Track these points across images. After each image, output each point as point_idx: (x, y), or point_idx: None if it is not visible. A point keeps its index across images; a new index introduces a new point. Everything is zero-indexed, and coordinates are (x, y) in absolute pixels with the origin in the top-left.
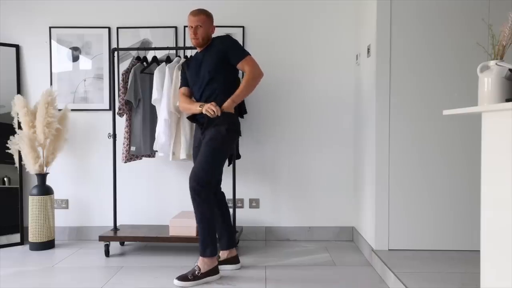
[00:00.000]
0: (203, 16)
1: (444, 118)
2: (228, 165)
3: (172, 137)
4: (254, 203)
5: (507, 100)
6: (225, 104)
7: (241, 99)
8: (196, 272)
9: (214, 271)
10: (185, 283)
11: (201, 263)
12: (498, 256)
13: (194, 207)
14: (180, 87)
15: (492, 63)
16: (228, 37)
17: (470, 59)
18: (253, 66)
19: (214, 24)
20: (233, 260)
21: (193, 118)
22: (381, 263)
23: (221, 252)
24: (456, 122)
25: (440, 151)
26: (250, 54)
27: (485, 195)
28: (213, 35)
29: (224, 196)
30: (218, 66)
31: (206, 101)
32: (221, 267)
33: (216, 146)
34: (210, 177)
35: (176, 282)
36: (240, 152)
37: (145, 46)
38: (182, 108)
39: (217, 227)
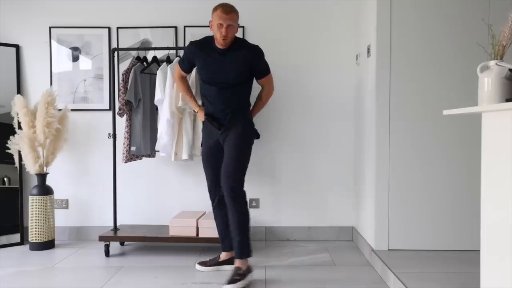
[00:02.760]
0: (235, 14)
1: (444, 118)
2: None
3: (175, 138)
4: (254, 203)
5: (507, 100)
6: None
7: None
8: (240, 272)
9: (249, 269)
10: (237, 284)
11: (241, 263)
12: (498, 256)
13: (234, 208)
14: (182, 69)
15: (492, 63)
16: (258, 51)
17: (470, 59)
18: (272, 84)
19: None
20: (233, 261)
21: (212, 118)
22: (381, 263)
23: (223, 253)
24: (456, 122)
25: (440, 151)
26: (270, 72)
27: (485, 195)
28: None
29: None
30: (244, 74)
31: (227, 101)
32: (222, 267)
33: (246, 144)
34: (244, 175)
35: (228, 286)
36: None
37: (145, 46)
38: (182, 90)
39: (223, 228)
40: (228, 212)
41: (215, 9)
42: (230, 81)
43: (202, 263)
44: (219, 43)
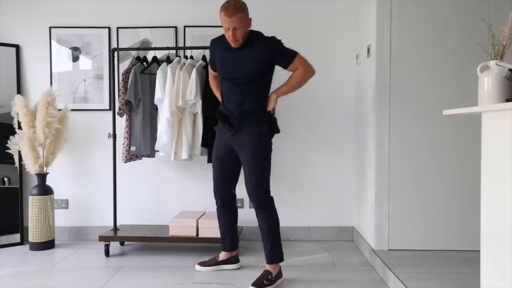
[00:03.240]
0: (240, 15)
1: (444, 118)
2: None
3: (174, 137)
4: None
5: (507, 100)
6: (269, 100)
7: (284, 95)
8: (269, 277)
9: (280, 274)
10: None
11: (273, 268)
12: (498, 256)
13: (262, 215)
14: (211, 67)
15: (492, 63)
16: (274, 42)
17: (470, 59)
18: (305, 64)
19: (213, 24)
20: (233, 260)
21: (223, 117)
22: (381, 263)
23: (222, 253)
24: (456, 122)
25: (440, 151)
26: (298, 53)
27: (485, 195)
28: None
29: (235, 198)
30: (261, 70)
31: (240, 99)
32: (221, 267)
33: (261, 150)
34: (268, 180)
35: None
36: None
37: (145, 46)
38: (212, 86)
39: (225, 228)
40: (257, 216)
41: (220, 10)
42: (244, 77)
43: (202, 263)
44: (231, 45)
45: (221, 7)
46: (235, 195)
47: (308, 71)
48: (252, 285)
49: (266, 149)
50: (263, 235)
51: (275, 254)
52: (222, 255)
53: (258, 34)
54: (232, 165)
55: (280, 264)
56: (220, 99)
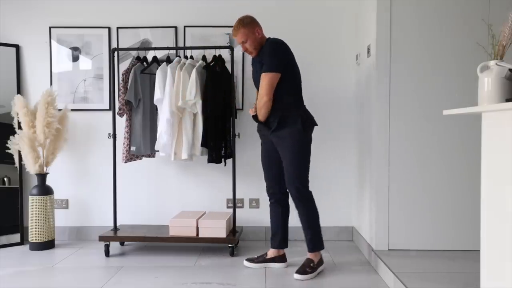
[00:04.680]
0: (242, 30)
1: (444, 118)
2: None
3: (174, 137)
4: (254, 203)
5: (507, 100)
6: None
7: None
8: (312, 264)
9: (321, 261)
10: (307, 276)
11: (314, 255)
12: (498, 256)
13: (302, 208)
14: None
15: (492, 63)
16: (268, 46)
17: (470, 59)
18: (265, 85)
19: (213, 24)
20: (281, 259)
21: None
22: (381, 263)
23: (270, 250)
24: (456, 122)
25: (440, 151)
26: (272, 72)
27: (485, 195)
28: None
29: (288, 196)
30: None
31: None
32: (269, 265)
33: (302, 146)
34: (307, 174)
35: (298, 276)
36: (240, 152)
37: (145, 46)
38: None
39: (275, 225)
40: (297, 210)
41: None
42: (258, 83)
43: (250, 260)
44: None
45: None
46: (287, 193)
47: (263, 95)
48: (296, 272)
49: (302, 145)
50: (304, 226)
51: (315, 242)
52: (271, 253)
53: (268, 40)
54: (279, 161)
55: (280, 264)
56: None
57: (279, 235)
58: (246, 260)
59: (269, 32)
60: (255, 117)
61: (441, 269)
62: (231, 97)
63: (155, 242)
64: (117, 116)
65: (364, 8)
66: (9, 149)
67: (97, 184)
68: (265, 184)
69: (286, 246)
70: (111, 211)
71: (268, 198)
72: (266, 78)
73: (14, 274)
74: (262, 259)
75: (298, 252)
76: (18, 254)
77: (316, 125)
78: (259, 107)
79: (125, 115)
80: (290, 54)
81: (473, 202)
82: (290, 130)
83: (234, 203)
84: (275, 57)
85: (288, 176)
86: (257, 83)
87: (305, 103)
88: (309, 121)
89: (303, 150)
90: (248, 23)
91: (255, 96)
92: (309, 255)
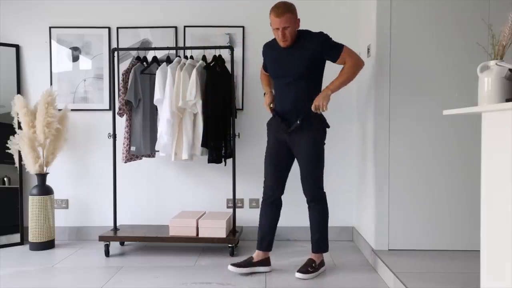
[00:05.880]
0: (289, 14)
1: (444, 118)
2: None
3: (175, 138)
4: (254, 203)
5: (507, 100)
6: (321, 95)
7: (338, 89)
8: (313, 265)
9: (323, 262)
10: (309, 275)
11: (317, 257)
12: (498, 256)
13: (315, 209)
14: (263, 68)
15: (492, 63)
16: (322, 36)
17: (470, 59)
18: (353, 55)
19: (213, 24)
20: (267, 262)
21: (281, 117)
22: (381, 263)
23: (257, 253)
24: (456, 122)
25: (440, 151)
26: (345, 45)
27: (485, 195)
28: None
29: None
30: (310, 66)
31: (294, 98)
32: (256, 269)
33: (318, 147)
34: (322, 175)
35: (300, 275)
36: (240, 152)
37: (145, 46)
38: (262, 83)
39: (268, 227)
40: (309, 211)
41: (270, 12)
42: (295, 74)
43: (236, 264)
44: (281, 44)
45: (271, 9)
46: (283, 194)
47: (358, 61)
48: (298, 271)
49: (321, 147)
50: (313, 226)
51: (321, 244)
52: (258, 255)
53: (306, 32)
54: (288, 162)
55: (280, 263)
56: (265, 89)
57: (269, 236)
58: (231, 264)
59: (268, 32)
60: (274, 114)
61: (441, 269)
62: (231, 97)
63: (155, 242)
64: (117, 116)
65: (364, 8)
66: (9, 149)
67: (97, 184)
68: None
69: (271, 249)
70: (111, 211)
71: (262, 197)
72: (347, 50)
73: (14, 274)
74: (249, 263)
75: (298, 252)
76: (18, 254)
77: (329, 127)
78: (353, 72)
79: (125, 115)
80: None
81: (473, 202)
82: (315, 129)
83: (234, 203)
84: (331, 40)
85: (308, 176)
86: (281, 71)
87: None
88: (326, 122)
89: (323, 151)
90: (294, 10)
91: (255, 96)
92: (312, 256)
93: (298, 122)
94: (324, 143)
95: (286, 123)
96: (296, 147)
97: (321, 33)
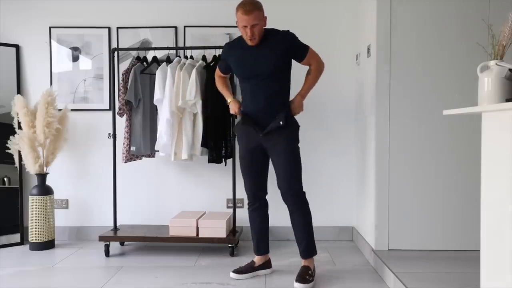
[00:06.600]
0: (257, 12)
1: (444, 118)
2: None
3: (174, 137)
4: None
5: (507, 100)
6: (296, 104)
7: (307, 93)
8: (310, 272)
9: (314, 266)
10: (310, 284)
11: (309, 262)
12: (498, 256)
13: (299, 212)
14: (219, 69)
15: (492, 63)
16: (290, 35)
17: (470, 59)
18: (316, 57)
19: (213, 24)
20: (268, 264)
21: (249, 119)
22: (381, 263)
23: (258, 257)
24: (456, 122)
25: (440, 151)
26: (309, 46)
27: (485, 195)
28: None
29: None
30: (279, 64)
31: (267, 97)
32: (258, 272)
33: (294, 145)
34: (301, 174)
35: (300, 285)
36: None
37: (145, 46)
38: (218, 86)
39: (261, 231)
40: (293, 215)
41: (236, 10)
42: (263, 73)
43: (238, 271)
44: (248, 43)
45: (237, 6)
46: (266, 193)
47: (321, 64)
48: (297, 281)
49: (297, 147)
50: (298, 233)
51: (310, 249)
52: (259, 260)
53: (273, 30)
54: (264, 166)
55: (280, 263)
56: (227, 92)
57: (265, 239)
58: (233, 272)
59: None
60: (246, 118)
61: (441, 269)
62: None
63: (155, 242)
64: (117, 116)
65: (364, 8)
66: (9, 149)
67: (97, 184)
68: None
69: (269, 250)
70: (111, 211)
71: (248, 203)
72: (311, 52)
73: (14, 274)
74: (251, 268)
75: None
76: (18, 254)
77: (299, 126)
78: (318, 75)
79: (125, 115)
80: None
81: (473, 202)
82: (293, 129)
83: (234, 203)
84: (299, 39)
85: (287, 179)
86: (250, 71)
87: (305, 103)
88: (297, 122)
89: (298, 151)
90: (261, 7)
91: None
92: (305, 262)
93: (282, 123)
94: (299, 143)
95: (260, 125)
96: (273, 148)
97: (288, 31)
